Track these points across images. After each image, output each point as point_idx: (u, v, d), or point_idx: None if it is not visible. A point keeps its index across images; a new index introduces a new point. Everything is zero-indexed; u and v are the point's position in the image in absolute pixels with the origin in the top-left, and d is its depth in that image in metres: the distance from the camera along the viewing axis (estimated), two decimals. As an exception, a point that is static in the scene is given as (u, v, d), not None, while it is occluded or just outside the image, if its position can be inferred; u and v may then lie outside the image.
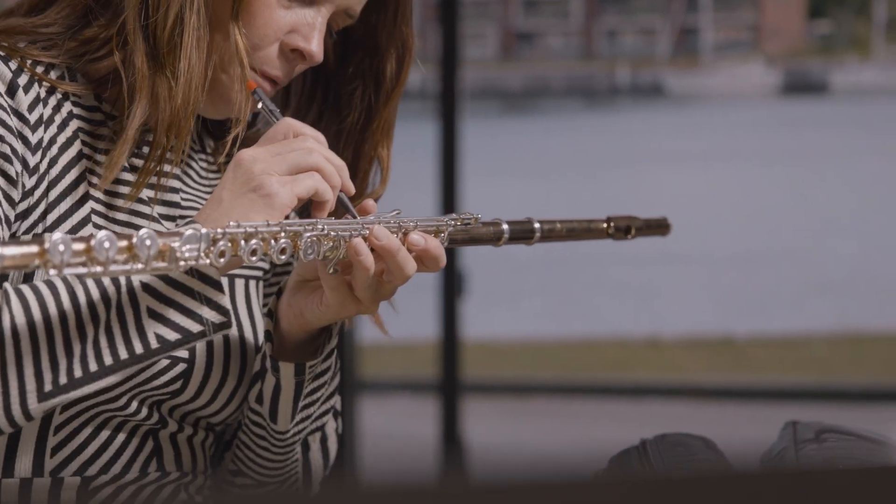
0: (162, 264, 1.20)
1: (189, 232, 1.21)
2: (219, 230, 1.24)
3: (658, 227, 1.58)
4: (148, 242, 1.18)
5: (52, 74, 1.43)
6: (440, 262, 1.39)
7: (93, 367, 1.26)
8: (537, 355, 8.56)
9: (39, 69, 1.42)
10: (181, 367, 1.42)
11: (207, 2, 1.39)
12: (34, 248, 1.13)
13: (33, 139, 1.40)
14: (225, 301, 1.30)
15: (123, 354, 1.27)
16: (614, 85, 63.69)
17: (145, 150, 1.46)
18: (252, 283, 1.53)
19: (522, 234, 1.48)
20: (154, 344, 1.28)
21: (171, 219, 1.48)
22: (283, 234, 1.28)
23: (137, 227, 1.45)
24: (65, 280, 1.30)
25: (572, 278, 13.93)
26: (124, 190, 1.45)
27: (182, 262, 1.21)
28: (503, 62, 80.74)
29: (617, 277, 13.63)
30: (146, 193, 1.46)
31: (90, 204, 1.43)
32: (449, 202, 5.09)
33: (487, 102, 50.59)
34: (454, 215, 1.43)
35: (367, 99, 1.52)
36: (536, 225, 1.50)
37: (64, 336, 1.25)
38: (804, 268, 15.25)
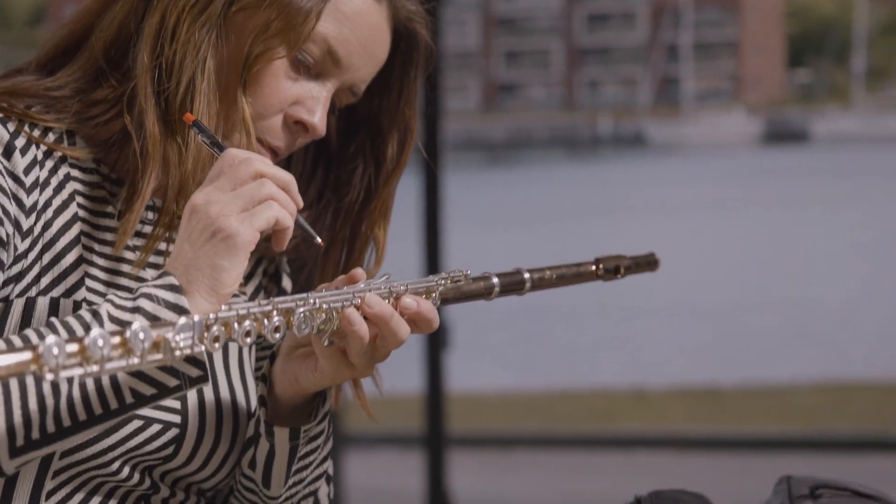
0: (157, 356, 1.19)
1: (182, 321, 1.20)
2: (210, 315, 1.23)
3: (647, 264, 1.58)
4: (141, 336, 1.17)
5: (50, 137, 1.43)
6: (433, 324, 1.39)
7: (66, 422, 1.25)
8: (522, 407, 8.54)
9: (37, 132, 1.42)
10: (174, 431, 1.41)
11: (218, 69, 1.40)
12: (28, 356, 1.12)
13: (28, 202, 1.39)
14: (200, 354, 1.28)
15: (98, 410, 1.26)
16: (596, 135, 63.99)
17: (146, 214, 1.46)
18: (244, 348, 1.53)
19: (513, 286, 1.49)
20: (129, 399, 1.27)
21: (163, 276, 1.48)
22: (275, 313, 1.28)
23: (124, 287, 1.44)
24: (38, 336, 1.29)
25: (556, 329, 13.91)
26: (129, 256, 1.44)
27: (178, 352, 1.20)
28: (485, 113, 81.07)
29: (601, 328, 13.62)
30: (130, 255, 1.45)
31: (83, 267, 1.42)
32: (433, 254, 5.07)
33: (470, 154, 50.78)
34: (444, 274, 1.43)
35: (366, 179, 1.53)
36: (526, 275, 1.50)
37: (37, 391, 1.24)
38: (788, 317, 15.27)
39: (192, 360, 1.29)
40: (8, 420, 1.24)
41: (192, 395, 1.44)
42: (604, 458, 7.19)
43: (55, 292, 1.40)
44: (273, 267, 1.58)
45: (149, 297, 1.28)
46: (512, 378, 10.22)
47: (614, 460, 7.13)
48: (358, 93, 1.48)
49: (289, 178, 1.33)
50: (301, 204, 1.34)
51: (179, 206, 1.40)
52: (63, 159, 1.43)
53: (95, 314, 1.28)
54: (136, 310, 1.27)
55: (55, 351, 1.11)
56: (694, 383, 9.66)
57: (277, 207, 1.30)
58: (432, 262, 5.18)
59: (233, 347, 1.51)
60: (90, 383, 1.26)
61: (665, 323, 14.11)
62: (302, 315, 1.31)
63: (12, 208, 1.38)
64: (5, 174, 1.38)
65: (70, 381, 1.26)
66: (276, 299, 1.30)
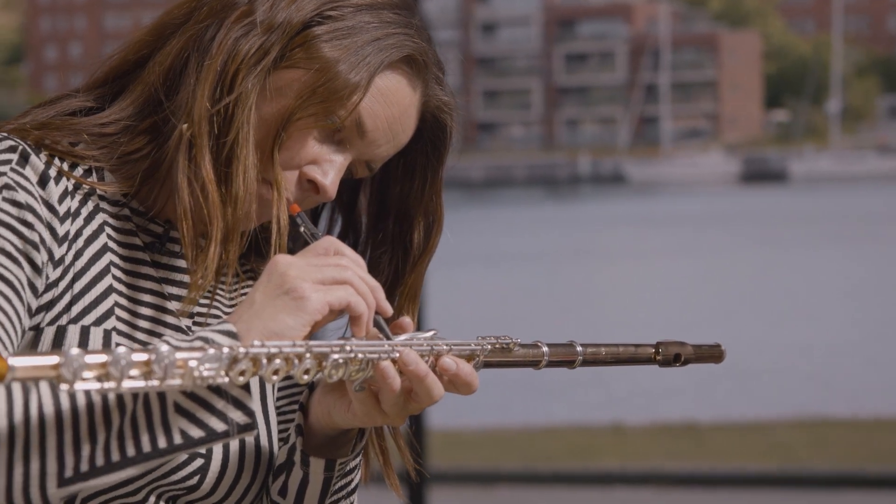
0: (177, 382, 1.20)
1: (211, 351, 1.22)
2: (241, 349, 1.24)
3: (710, 356, 1.52)
4: (166, 362, 1.18)
5: (79, 171, 1.45)
6: (472, 388, 1.39)
7: (115, 456, 1.26)
8: (502, 444, 8.54)
9: (65, 165, 1.44)
10: (199, 462, 1.42)
11: (257, 123, 1.42)
12: (49, 361, 1.13)
13: (61, 231, 1.41)
14: (251, 403, 1.29)
15: (147, 447, 1.27)
16: (575, 174, 64.09)
17: (173, 247, 1.48)
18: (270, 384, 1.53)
19: (563, 358, 1.44)
20: (178, 440, 1.27)
21: (189, 315, 1.49)
22: (308, 355, 1.28)
23: (162, 322, 1.46)
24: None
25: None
26: (145, 284, 1.46)
27: (199, 381, 1.22)
28: (464, 152, 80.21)
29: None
30: (167, 290, 1.47)
31: (113, 296, 1.44)
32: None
33: (449, 192, 50.63)
34: (491, 338, 1.41)
35: (394, 264, 1.54)
36: (578, 349, 1.45)
37: (89, 423, 1.25)
38: (766, 354, 15.31)
39: (241, 405, 1.29)
40: (59, 449, 1.25)
41: None
42: (583, 495, 7.20)
43: (86, 321, 1.41)
44: None
45: (204, 340, 1.28)
46: (492, 415, 10.22)
47: (594, 497, 7.15)
48: (373, 168, 1.49)
49: (374, 283, 1.35)
50: (388, 312, 1.36)
51: (228, 254, 1.42)
52: (92, 192, 1.45)
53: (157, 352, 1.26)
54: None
55: (75, 363, 1.13)
56: (672, 420, 9.68)
57: (353, 292, 1.32)
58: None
59: (254, 380, 1.54)
60: (142, 421, 1.26)
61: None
62: (335, 361, 1.30)
63: (47, 236, 1.40)
64: (41, 202, 1.40)
65: (122, 415, 1.26)
66: (312, 343, 1.30)
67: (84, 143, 1.44)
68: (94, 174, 1.45)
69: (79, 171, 1.44)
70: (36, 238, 1.38)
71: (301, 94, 1.42)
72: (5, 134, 1.42)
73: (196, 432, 1.28)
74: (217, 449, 1.44)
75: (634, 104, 74.42)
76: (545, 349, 1.42)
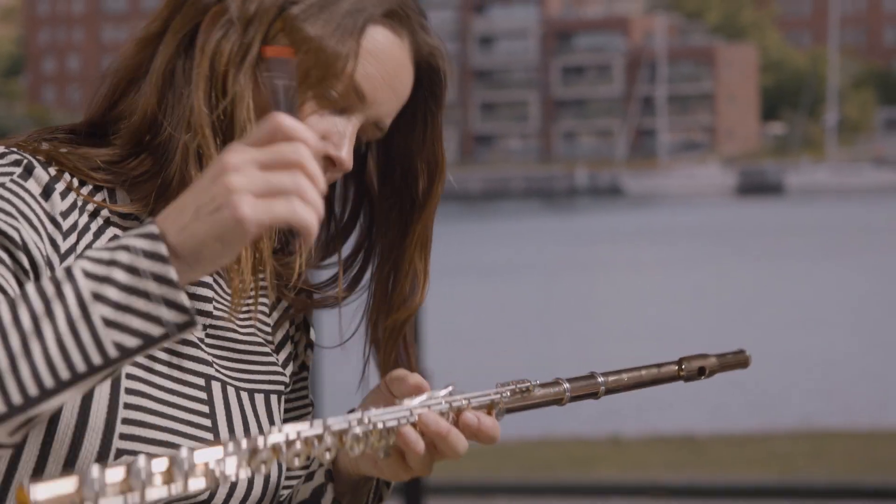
0: (202, 484, 1.18)
1: (230, 447, 1.19)
2: (259, 441, 1.21)
3: (735, 363, 1.51)
4: (186, 466, 1.16)
5: (87, 188, 1.43)
6: (495, 439, 1.39)
7: (48, 383, 1.21)
8: (500, 455, 8.54)
9: (76, 181, 1.42)
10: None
11: (258, 114, 1.40)
12: (69, 487, 1.11)
13: (64, 246, 1.39)
14: (183, 298, 1.22)
15: (81, 368, 1.21)
16: (573, 186, 64.13)
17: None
18: (273, 397, 1.52)
19: (586, 392, 1.44)
20: (113, 353, 1.21)
21: (203, 327, 1.46)
22: (327, 435, 1.26)
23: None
24: (3, 293, 1.28)
25: (532, 377, 13.89)
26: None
27: (222, 479, 1.19)
28: (462, 165, 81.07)
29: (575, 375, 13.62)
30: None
31: None
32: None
33: (447, 205, 50.66)
34: (510, 384, 1.40)
35: (403, 216, 1.53)
36: (600, 379, 1.45)
37: (8, 354, 1.20)
38: (765, 366, 15.30)
39: (175, 305, 1.22)
40: None
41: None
42: (581, 506, 7.20)
43: None
44: (301, 315, 1.57)
45: (126, 248, 1.21)
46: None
47: (592, 507, 7.14)
48: (384, 127, 1.48)
49: (324, 184, 1.26)
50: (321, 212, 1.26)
51: (261, 250, 1.40)
52: (101, 207, 1.43)
53: (69, 272, 1.21)
54: (113, 263, 1.21)
55: (96, 485, 1.12)
56: (670, 431, 9.68)
57: (299, 206, 1.23)
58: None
59: (260, 398, 1.51)
60: (69, 340, 1.20)
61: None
62: (356, 435, 1.29)
63: (46, 249, 1.37)
64: (43, 216, 1.37)
65: (43, 340, 1.21)
66: (329, 421, 1.27)
67: (93, 168, 1.42)
68: (106, 193, 1.43)
69: (89, 190, 1.42)
70: (18, 241, 1.35)
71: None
72: (13, 149, 1.39)
73: (131, 341, 1.22)
74: (223, 487, 1.42)
75: (631, 117, 74.51)
76: (566, 386, 1.42)
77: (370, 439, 1.31)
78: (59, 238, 1.38)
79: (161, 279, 1.21)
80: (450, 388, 1.39)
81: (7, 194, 1.35)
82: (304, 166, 1.23)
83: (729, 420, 10.95)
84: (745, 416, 11.54)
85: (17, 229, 1.35)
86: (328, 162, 1.43)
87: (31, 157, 1.39)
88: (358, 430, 1.29)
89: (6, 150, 1.39)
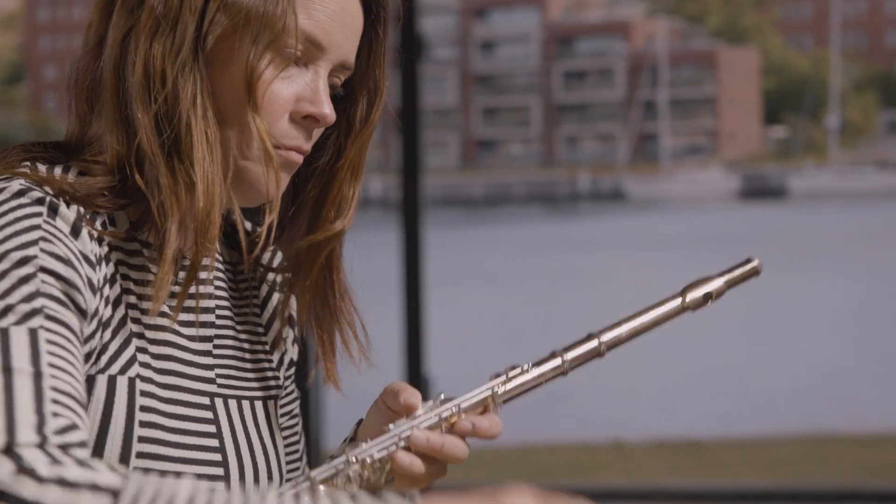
0: None
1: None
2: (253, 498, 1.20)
3: (744, 276, 1.41)
4: None
5: (97, 221, 1.41)
6: (497, 434, 1.41)
7: None
8: (500, 461, 8.52)
9: (86, 213, 1.40)
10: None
11: (216, 100, 1.40)
12: None
13: (95, 280, 1.39)
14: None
15: None
16: (575, 191, 64.08)
17: (181, 276, 1.44)
18: (270, 403, 1.51)
19: (588, 357, 1.40)
20: None
21: (208, 339, 1.46)
22: (319, 485, 1.27)
23: (177, 359, 1.43)
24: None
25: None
26: (163, 322, 1.43)
27: None
28: (465, 170, 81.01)
29: (578, 379, 13.62)
30: (184, 317, 1.44)
31: (134, 342, 1.41)
32: (413, 312, 5.09)
33: (450, 210, 50.78)
34: (501, 377, 1.39)
35: (338, 141, 1.52)
36: (602, 339, 1.40)
37: None
38: (768, 371, 15.29)
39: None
40: None
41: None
42: (584, 512, 7.18)
43: (112, 370, 1.39)
44: (287, 311, 1.56)
45: None
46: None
47: (595, 514, 7.13)
48: (351, 66, 1.47)
49: None
50: None
51: (202, 247, 1.39)
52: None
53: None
54: None
55: None
56: (673, 436, 9.66)
57: None
58: (412, 321, 5.19)
59: (259, 405, 1.50)
60: None
61: (644, 375, 14.11)
62: (351, 475, 1.30)
63: (85, 287, 1.36)
64: (79, 255, 1.36)
65: None
66: (314, 472, 1.29)
67: (95, 196, 1.41)
68: (106, 217, 1.42)
69: (101, 220, 1.41)
70: (80, 284, 1.34)
71: (246, 50, 1.39)
72: (27, 183, 1.36)
73: None
74: (233, 468, 1.42)
75: (633, 121, 74.47)
76: (567, 357, 1.38)
77: (366, 474, 1.30)
78: (92, 273, 1.37)
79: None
80: (440, 398, 1.38)
81: (48, 236, 1.34)
82: None
83: (733, 425, 10.92)
84: (749, 421, 11.51)
85: (76, 271, 1.34)
86: (311, 120, 1.43)
87: (52, 196, 1.36)
88: (350, 471, 1.29)
89: (24, 187, 1.35)
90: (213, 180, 1.39)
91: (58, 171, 1.40)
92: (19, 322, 1.26)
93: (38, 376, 1.23)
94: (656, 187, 62.72)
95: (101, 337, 1.39)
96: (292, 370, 1.57)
